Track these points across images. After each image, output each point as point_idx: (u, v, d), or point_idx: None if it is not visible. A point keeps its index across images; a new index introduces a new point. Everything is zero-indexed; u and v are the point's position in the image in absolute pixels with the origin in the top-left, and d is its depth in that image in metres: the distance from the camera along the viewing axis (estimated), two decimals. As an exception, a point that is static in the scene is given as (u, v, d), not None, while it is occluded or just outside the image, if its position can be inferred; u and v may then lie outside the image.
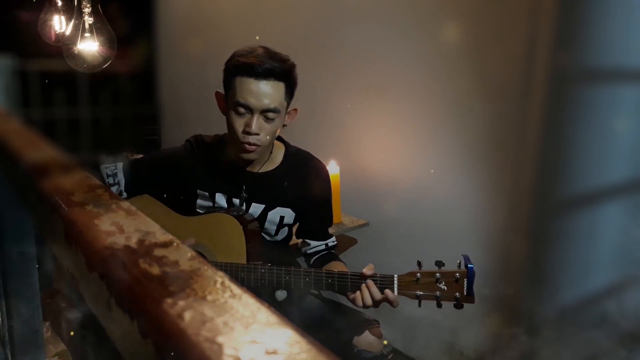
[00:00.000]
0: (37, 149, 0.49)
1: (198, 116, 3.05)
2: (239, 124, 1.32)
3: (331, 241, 1.53)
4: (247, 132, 1.32)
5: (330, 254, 1.51)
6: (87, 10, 2.28)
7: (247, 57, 1.30)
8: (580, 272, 1.56)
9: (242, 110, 1.31)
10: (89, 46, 2.34)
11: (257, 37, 2.40)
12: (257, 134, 1.32)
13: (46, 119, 2.95)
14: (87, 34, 2.32)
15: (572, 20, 1.50)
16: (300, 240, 1.55)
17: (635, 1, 1.42)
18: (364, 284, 1.24)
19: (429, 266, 1.22)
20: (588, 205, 1.53)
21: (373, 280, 1.23)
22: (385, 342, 1.37)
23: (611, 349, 1.54)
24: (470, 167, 1.83)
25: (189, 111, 3.20)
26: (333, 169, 1.96)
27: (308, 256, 1.52)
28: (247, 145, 1.33)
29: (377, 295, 1.22)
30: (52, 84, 2.94)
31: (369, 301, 1.23)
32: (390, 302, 1.23)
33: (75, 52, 2.32)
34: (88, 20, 2.30)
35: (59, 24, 2.49)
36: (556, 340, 1.62)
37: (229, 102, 1.34)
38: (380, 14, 2.07)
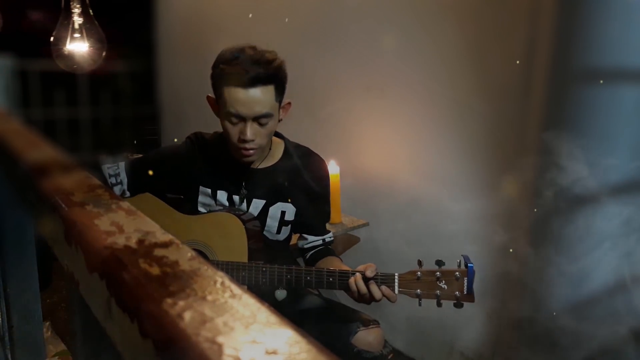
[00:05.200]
0: (37, 149, 0.49)
1: (198, 116, 3.04)
2: (234, 132, 1.33)
3: (328, 236, 1.53)
4: (243, 140, 1.32)
5: (327, 249, 1.52)
6: (76, 10, 2.27)
7: (232, 66, 1.28)
8: (580, 272, 1.56)
9: (235, 120, 1.32)
10: (79, 47, 2.33)
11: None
12: (253, 140, 1.33)
13: (46, 119, 2.95)
14: (76, 35, 2.30)
15: (572, 20, 1.50)
16: (297, 236, 1.55)
17: (635, 1, 1.42)
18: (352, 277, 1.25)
19: (429, 266, 1.22)
20: (588, 205, 1.53)
21: (374, 279, 1.24)
22: (385, 342, 1.37)
23: (611, 349, 1.54)
24: (470, 167, 1.83)
25: (189, 111, 3.19)
26: (333, 169, 1.96)
27: (304, 251, 1.53)
28: (244, 151, 1.35)
29: (377, 292, 1.23)
30: (52, 84, 2.94)
31: (363, 289, 1.23)
32: (389, 298, 1.24)
33: (65, 52, 2.31)
34: (77, 20, 2.29)
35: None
36: (557, 341, 1.62)
37: (221, 111, 1.34)
38: (380, 14, 2.07)
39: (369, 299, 1.24)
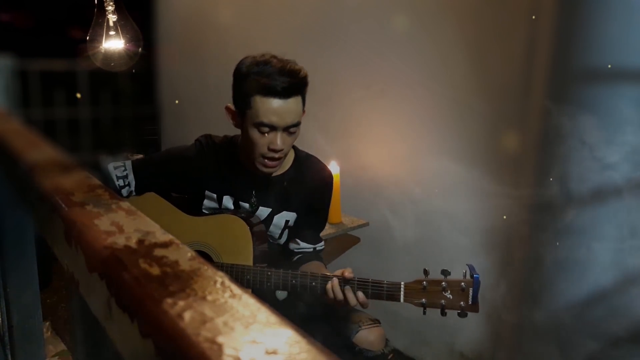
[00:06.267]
0: (37, 149, 0.49)
1: (198, 116, 3.04)
2: (263, 142, 1.32)
3: (319, 245, 1.52)
4: (272, 150, 1.32)
5: (315, 255, 1.52)
6: (110, 8, 2.25)
7: (265, 76, 1.28)
8: (580, 273, 1.56)
9: (265, 129, 1.31)
10: (115, 44, 2.29)
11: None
12: (282, 149, 1.33)
13: (46, 119, 2.94)
14: (112, 32, 2.28)
15: (572, 20, 1.50)
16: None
17: (635, 1, 1.42)
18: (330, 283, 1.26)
19: (432, 272, 1.21)
20: (588, 205, 1.53)
21: (380, 287, 1.24)
22: (386, 341, 1.37)
23: (611, 349, 1.54)
24: (470, 167, 1.83)
25: (189, 111, 3.19)
26: (333, 169, 1.95)
27: (293, 253, 1.52)
28: (269, 161, 1.34)
29: (352, 296, 1.24)
30: (52, 84, 2.94)
31: (340, 296, 1.24)
32: (362, 305, 1.25)
33: (102, 50, 2.28)
34: (112, 18, 2.27)
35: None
36: (556, 341, 1.62)
37: (249, 120, 1.32)
38: (380, 14, 2.07)
39: (343, 304, 1.25)
